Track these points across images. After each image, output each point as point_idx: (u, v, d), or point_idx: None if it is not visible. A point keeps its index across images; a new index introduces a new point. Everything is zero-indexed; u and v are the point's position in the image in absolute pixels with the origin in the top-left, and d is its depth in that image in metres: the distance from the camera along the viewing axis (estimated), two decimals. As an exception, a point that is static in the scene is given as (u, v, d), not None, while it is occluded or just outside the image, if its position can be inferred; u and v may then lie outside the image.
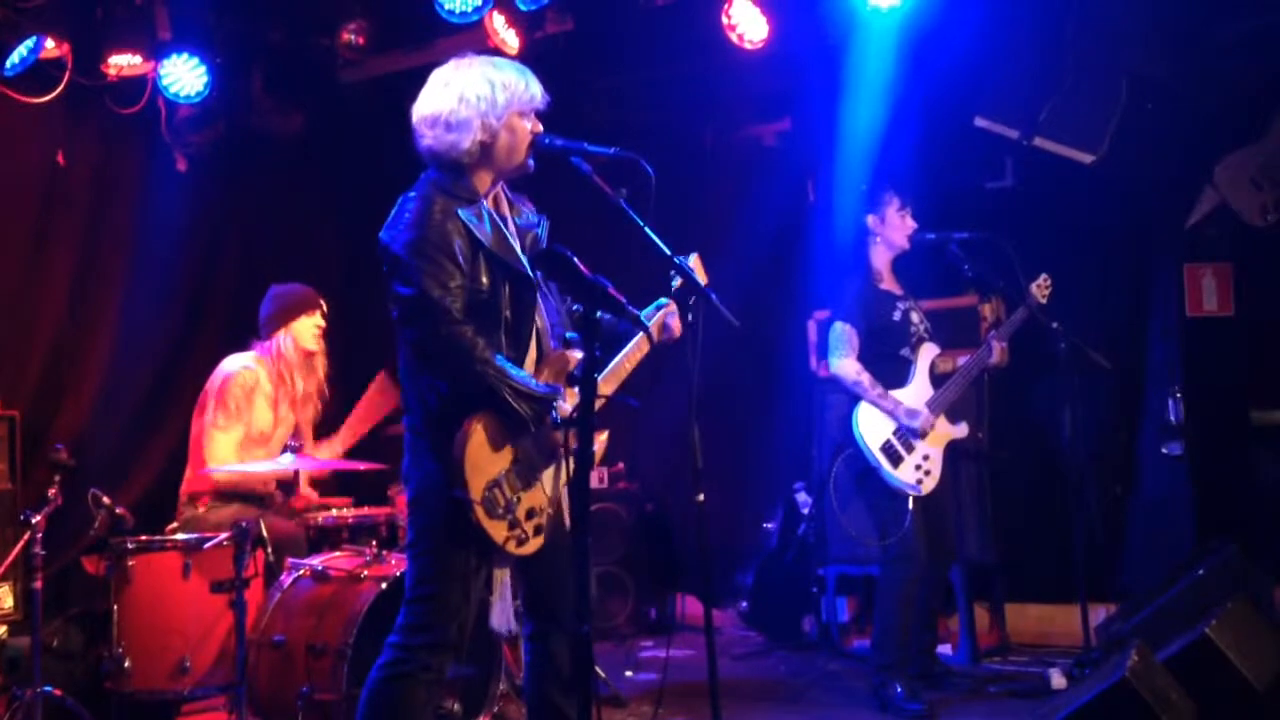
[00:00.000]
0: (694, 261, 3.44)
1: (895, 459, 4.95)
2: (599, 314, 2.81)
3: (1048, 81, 5.77)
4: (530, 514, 3.17)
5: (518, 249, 3.24)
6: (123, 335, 6.07)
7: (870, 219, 5.12)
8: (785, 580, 6.45)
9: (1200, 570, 4.70)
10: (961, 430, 5.09)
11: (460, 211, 3.15)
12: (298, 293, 5.10)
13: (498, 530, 3.09)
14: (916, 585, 4.98)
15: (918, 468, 4.96)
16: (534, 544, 3.18)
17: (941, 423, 5.03)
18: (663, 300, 3.42)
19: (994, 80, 5.90)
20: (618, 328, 3.35)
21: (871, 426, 4.97)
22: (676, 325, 3.43)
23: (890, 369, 5.04)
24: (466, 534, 3.08)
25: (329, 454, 5.10)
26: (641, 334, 3.31)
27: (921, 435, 4.96)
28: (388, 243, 3.13)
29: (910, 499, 4.96)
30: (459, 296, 3.09)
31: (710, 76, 6.63)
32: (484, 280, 3.14)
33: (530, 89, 3.22)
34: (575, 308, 3.01)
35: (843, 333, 5.02)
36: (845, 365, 4.99)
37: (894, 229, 5.09)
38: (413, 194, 3.19)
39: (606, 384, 3.31)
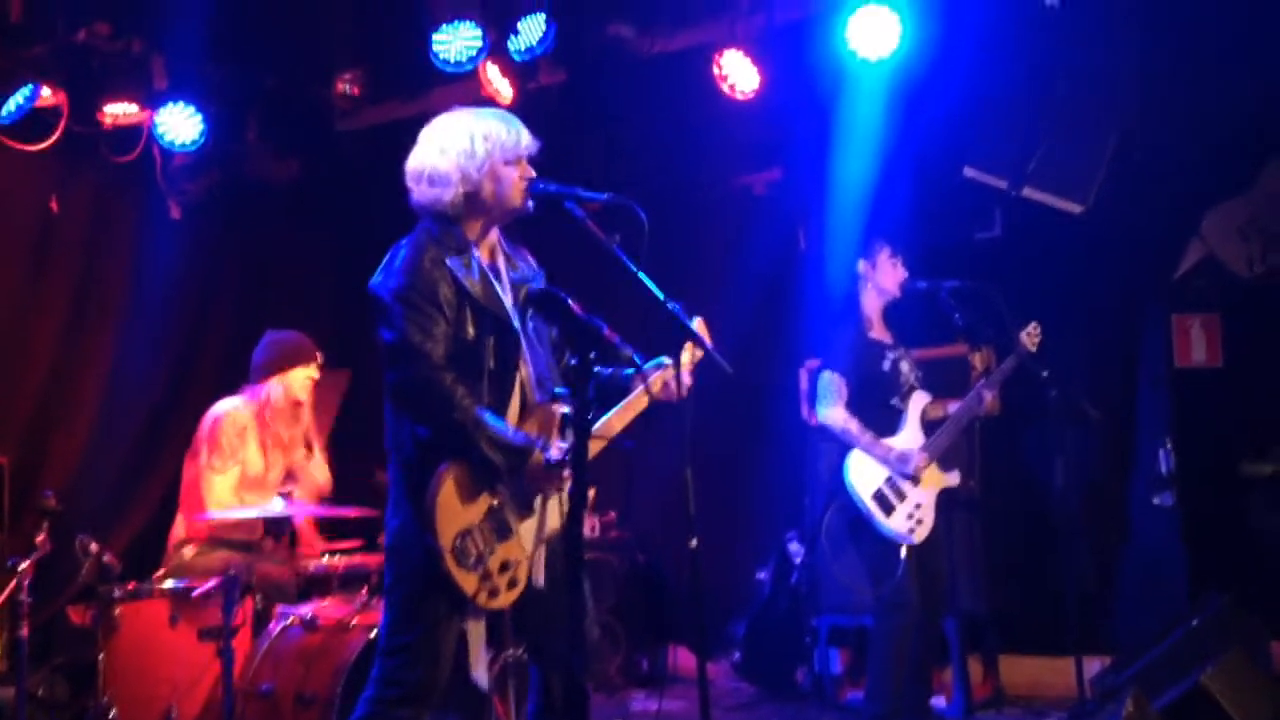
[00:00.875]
0: (698, 325, 3.44)
1: (887, 508, 4.94)
2: (593, 355, 2.81)
3: (1036, 133, 5.83)
4: (504, 566, 3.14)
5: (507, 301, 3.26)
6: (114, 382, 6.07)
7: (861, 265, 5.14)
8: (778, 631, 6.41)
9: (1194, 621, 4.69)
10: (954, 478, 5.08)
11: (449, 260, 3.18)
12: (295, 341, 5.09)
13: (468, 581, 3.07)
14: (910, 635, 4.95)
15: (910, 516, 4.94)
16: (507, 597, 3.15)
17: (933, 470, 5.02)
18: (664, 360, 3.39)
19: (983, 131, 5.97)
20: (615, 382, 3.37)
21: (862, 475, 4.96)
22: (675, 387, 3.40)
23: (881, 418, 5.04)
24: (437, 583, 3.07)
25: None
26: (638, 389, 3.31)
27: (914, 480, 4.96)
28: (376, 289, 3.17)
29: (903, 548, 4.94)
30: (441, 343, 3.11)
31: (701, 126, 6.68)
32: (469, 330, 3.17)
33: (516, 136, 3.26)
34: (571, 361, 3.01)
35: (831, 382, 5.03)
36: (833, 414, 4.99)
37: (885, 276, 5.11)
38: (404, 242, 3.22)
39: (598, 438, 3.28)
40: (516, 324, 3.25)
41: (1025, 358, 5.11)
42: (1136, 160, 5.83)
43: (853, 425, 4.96)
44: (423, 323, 3.09)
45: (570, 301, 2.87)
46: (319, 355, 5.12)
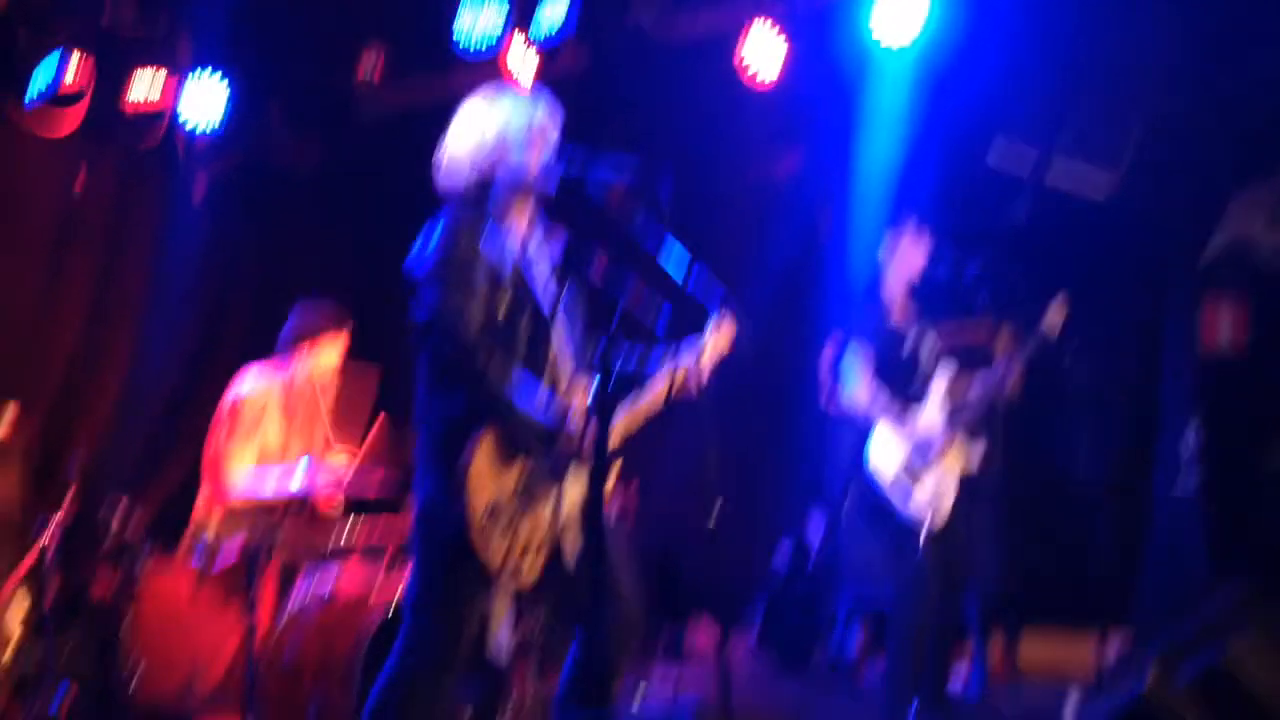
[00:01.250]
0: (725, 322, 3.45)
1: (907, 490, 4.94)
2: (616, 323, 2.84)
3: (1062, 116, 5.80)
4: (530, 540, 3.17)
5: (539, 282, 3.30)
6: (139, 360, 6.13)
7: (886, 245, 5.14)
8: (796, 610, 6.41)
9: (1216, 604, 4.65)
10: (975, 461, 5.07)
11: (483, 241, 3.21)
12: (326, 309, 5.07)
13: (495, 553, 3.10)
14: (929, 615, 4.95)
15: (930, 495, 4.94)
16: (532, 571, 3.17)
17: (955, 450, 5.01)
18: (686, 356, 3.41)
19: (1008, 115, 5.94)
20: (638, 375, 3.39)
21: (884, 455, 4.96)
22: (694, 382, 3.41)
23: (903, 399, 5.04)
24: (465, 554, 3.09)
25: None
26: (658, 384, 3.33)
27: (936, 463, 4.95)
28: (412, 266, 3.21)
29: (923, 528, 4.94)
30: (476, 320, 3.14)
31: (724, 112, 6.69)
32: (502, 309, 3.20)
33: (529, 118, 3.29)
34: (601, 341, 3.02)
35: (854, 364, 5.04)
36: (857, 395, 4.99)
37: (909, 254, 5.11)
38: (440, 222, 3.26)
39: (619, 431, 3.29)
40: (548, 305, 3.29)
41: (1049, 338, 5.09)
42: (1164, 143, 5.79)
43: (876, 407, 4.95)
44: (458, 299, 3.12)
45: (594, 269, 2.89)
46: (347, 324, 5.10)
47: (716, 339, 3.40)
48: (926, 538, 4.91)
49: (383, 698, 3.18)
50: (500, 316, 3.19)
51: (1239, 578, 4.97)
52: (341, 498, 5.03)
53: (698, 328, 3.43)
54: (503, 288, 3.20)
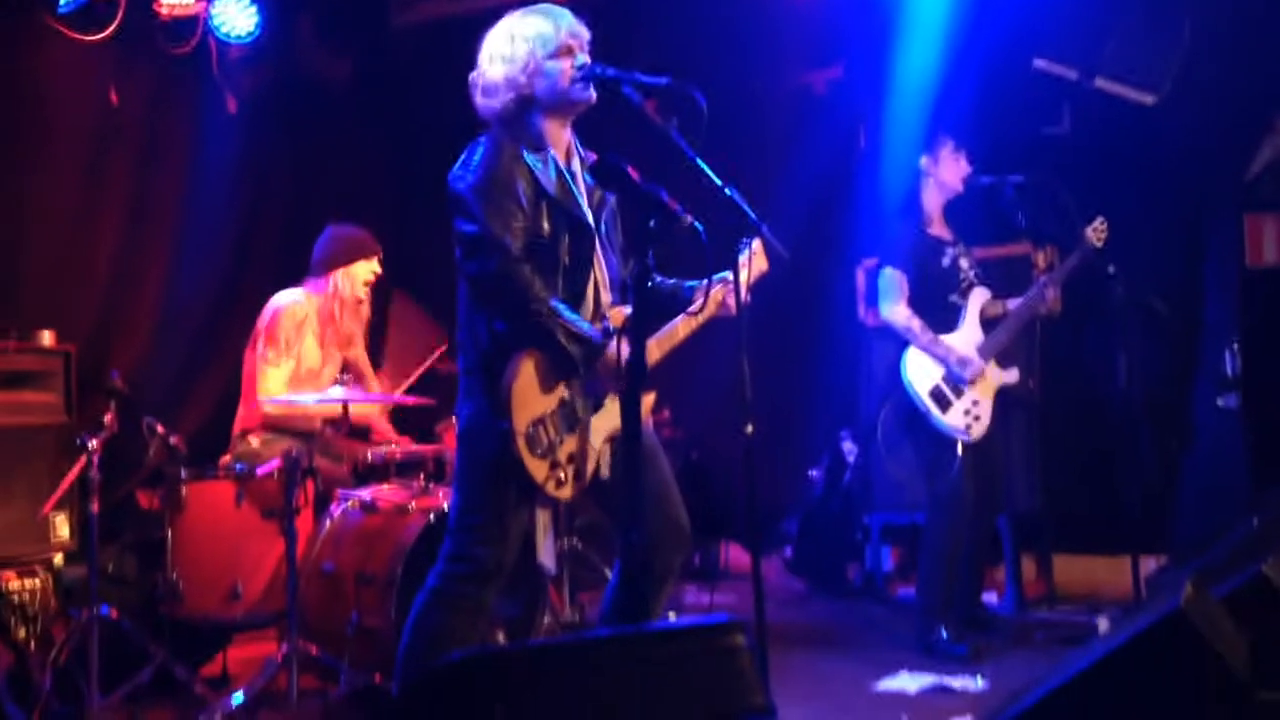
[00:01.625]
0: (756, 246, 3.39)
1: (944, 404, 4.92)
2: (653, 223, 2.81)
3: (1109, 22, 5.66)
4: (571, 458, 3.21)
5: (582, 200, 3.28)
6: (175, 273, 6.14)
7: (924, 160, 5.06)
8: (830, 528, 6.44)
9: (1254, 520, 4.63)
10: (1012, 376, 5.04)
11: (527, 157, 3.21)
12: (359, 236, 5.08)
13: (538, 468, 3.14)
14: (963, 532, 4.96)
15: (966, 413, 4.92)
16: (572, 488, 3.22)
17: (992, 368, 4.98)
18: (726, 273, 3.32)
19: (1054, 21, 5.80)
20: (676, 295, 3.39)
21: (920, 372, 4.94)
22: (733, 303, 3.37)
23: (939, 314, 5.00)
24: (508, 469, 3.13)
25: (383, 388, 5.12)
26: (697, 302, 3.31)
27: (973, 380, 4.92)
28: (454, 183, 3.20)
29: (959, 444, 4.93)
30: (519, 236, 3.14)
31: (759, 22, 6.57)
32: (545, 225, 3.19)
33: (559, 28, 3.23)
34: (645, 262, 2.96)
35: (892, 278, 4.98)
36: (896, 311, 4.95)
37: (948, 170, 5.03)
38: (482, 139, 3.25)
39: (659, 346, 3.31)
40: (592, 222, 3.27)
41: (1090, 254, 5.01)
42: (1210, 55, 5.64)
43: (915, 324, 4.92)
44: (502, 215, 3.12)
45: (629, 169, 2.86)
46: (379, 250, 5.12)
47: (755, 256, 3.36)
48: (963, 452, 4.91)
49: (425, 609, 3.24)
50: (544, 234, 3.19)
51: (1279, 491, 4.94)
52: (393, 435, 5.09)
53: (734, 245, 3.38)
54: (544, 206, 3.19)
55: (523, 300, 3.10)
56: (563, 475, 3.19)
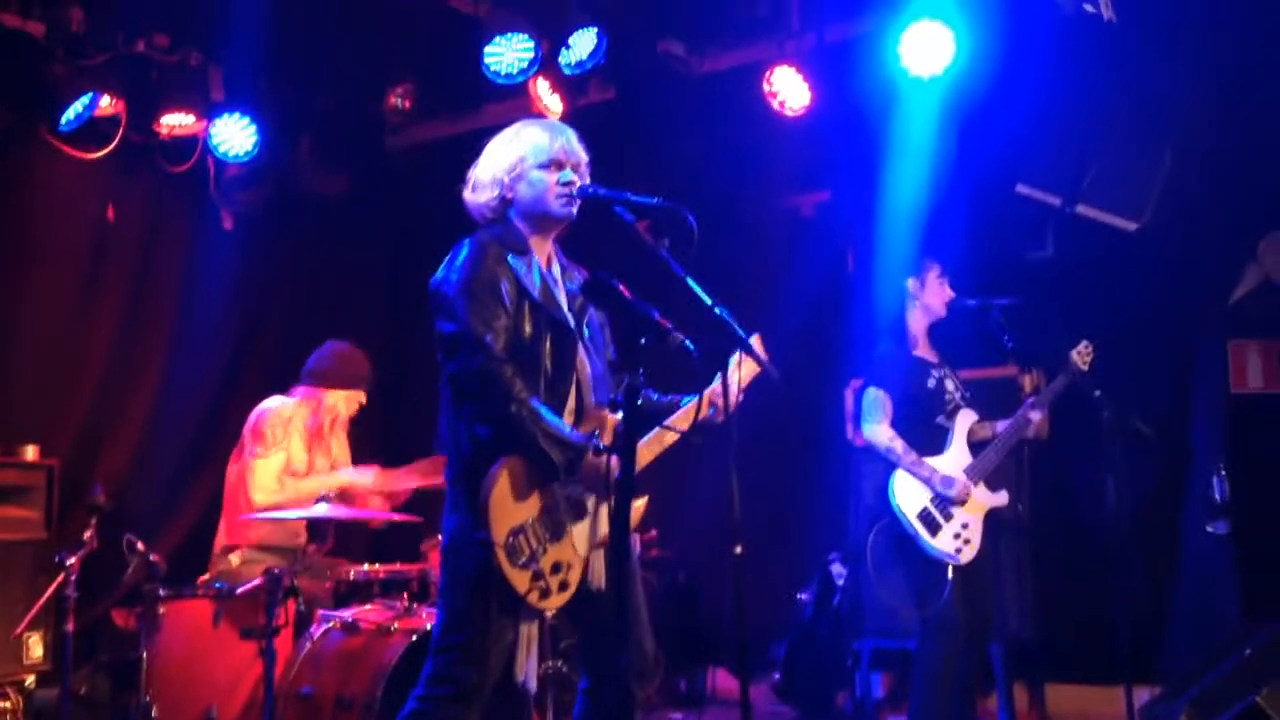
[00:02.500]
0: (755, 341, 3.42)
1: (934, 527, 4.88)
2: (644, 341, 2.82)
3: (1090, 150, 5.78)
4: (556, 568, 3.13)
5: (564, 304, 3.28)
6: (165, 389, 6.14)
7: (911, 283, 5.11)
8: (819, 653, 6.33)
9: (1247, 650, 4.57)
10: (1001, 499, 5.02)
11: (510, 259, 3.22)
12: (360, 369, 5.15)
13: (520, 579, 3.07)
14: (955, 659, 4.87)
15: (956, 536, 4.88)
16: (558, 599, 3.14)
17: (980, 491, 4.96)
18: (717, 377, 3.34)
19: (1036, 148, 5.92)
20: (672, 410, 3.37)
21: (908, 494, 4.90)
22: (721, 404, 3.32)
23: (925, 436, 4.99)
24: (489, 582, 3.06)
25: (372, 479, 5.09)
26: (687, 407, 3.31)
27: (959, 503, 4.90)
28: (438, 284, 3.20)
29: (949, 569, 4.88)
30: (502, 336, 3.13)
31: (750, 146, 6.69)
32: (527, 327, 3.18)
33: (553, 141, 3.29)
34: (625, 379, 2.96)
35: (876, 399, 4.98)
36: (878, 431, 4.94)
37: (933, 295, 5.08)
38: (466, 240, 3.26)
39: (648, 449, 3.28)
40: (573, 325, 3.26)
41: (1077, 377, 5.03)
42: (1192, 180, 5.76)
43: (897, 444, 4.90)
44: (484, 315, 3.11)
45: (621, 286, 2.88)
46: (370, 380, 5.16)
47: (743, 367, 3.37)
48: (953, 577, 4.85)
49: None
50: (525, 336, 3.17)
51: (1271, 620, 4.88)
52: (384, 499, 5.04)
53: (721, 361, 3.39)
54: (527, 307, 3.19)
55: (504, 400, 3.05)
56: (547, 585, 3.11)
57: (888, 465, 4.96)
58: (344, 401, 5.08)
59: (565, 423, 3.17)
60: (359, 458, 5.26)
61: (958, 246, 5.56)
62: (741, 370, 3.34)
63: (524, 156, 3.26)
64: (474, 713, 3.15)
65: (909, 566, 4.99)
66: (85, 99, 5.48)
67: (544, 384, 3.19)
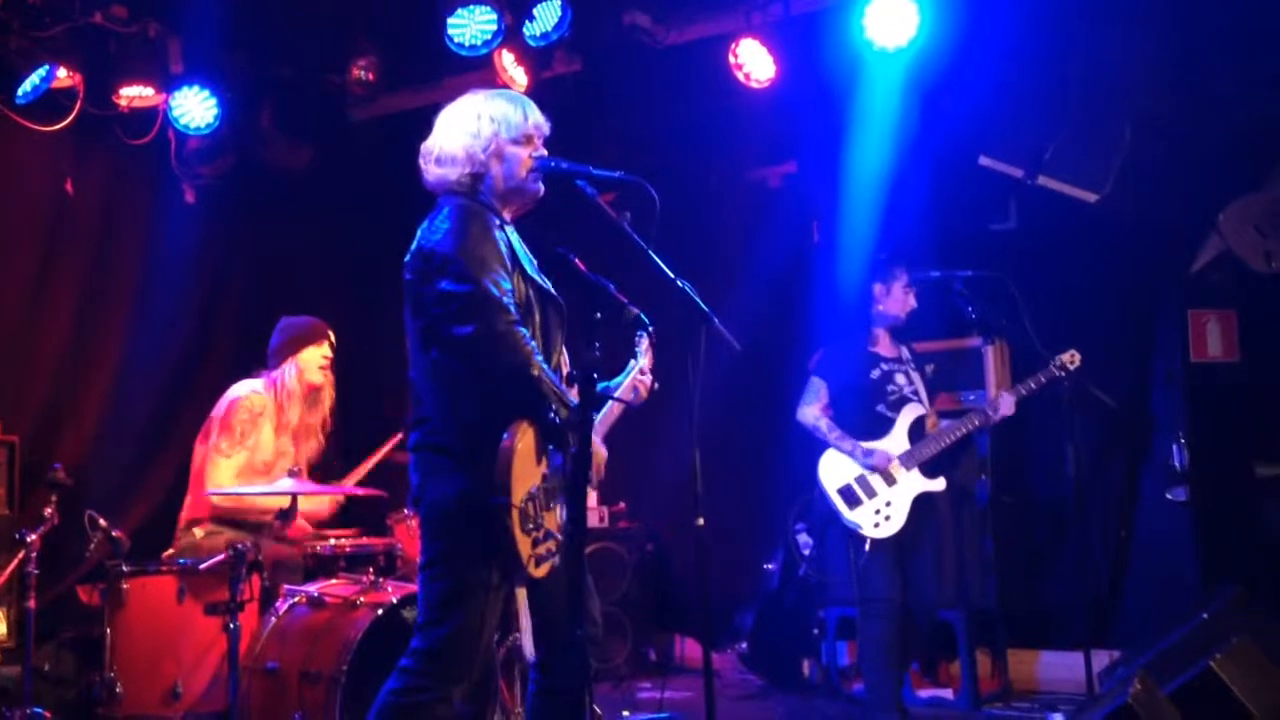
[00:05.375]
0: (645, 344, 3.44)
1: (853, 501, 5.08)
2: (599, 315, 2.82)
3: (1052, 122, 5.81)
4: (548, 534, 3.08)
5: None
6: (126, 364, 6.07)
7: (877, 288, 5.24)
8: (785, 622, 6.39)
9: (1205, 614, 4.65)
10: (938, 485, 5.12)
11: (496, 223, 3.16)
12: (306, 324, 5.11)
13: (525, 544, 2.98)
14: (890, 627, 4.99)
15: (877, 512, 5.06)
16: (547, 566, 3.09)
17: (913, 474, 5.07)
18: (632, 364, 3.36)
19: (999, 120, 5.94)
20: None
21: (832, 470, 5.14)
22: (643, 390, 3.37)
23: (866, 423, 5.17)
24: (491, 550, 2.98)
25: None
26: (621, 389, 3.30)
27: (888, 479, 5.04)
28: (431, 246, 3.07)
29: (868, 541, 4.99)
30: (509, 299, 3.04)
31: (716, 118, 6.68)
32: (519, 295, 3.11)
33: (526, 116, 3.24)
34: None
35: (811, 385, 5.31)
36: (806, 412, 5.25)
37: (894, 303, 5.25)
38: (446, 207, 3.16)
39: (601, 423, 3.30)
40: (560, 298, 3.21)
41: (1054, 379, 5.07)
42: (1153, 152, 5.80)
43: (823, 423, 5.17)
44: (494, 275, 3.02)
45: (577, 261, 2.88)
46: (331, 335, 5.12)
47: (646, 356, 3.37)
48: (880, 550, 4.99)
49: (395, 702, 3.03)
50: (521, 299, 3.10)
51: (1228, 585, 4.97)
52: (310, 530, 5.01)
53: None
54: (520, 272, 3.13)
55: (524, 363, 2.95)
56: (543, 551, 3.05)
57: (821, 444, 5.19)
58: (305, 365, 5.02)
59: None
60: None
61: (921, 218, 5.59)
62: (644, 360, 3.37)
63: (498, 131, 3.19)
64: (459, 688, 3.05)
65: (835, 540, 5.23)
66: (42, 71, 5.40)
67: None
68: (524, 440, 2.99)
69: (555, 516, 3.13)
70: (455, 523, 3.04)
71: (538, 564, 3.04)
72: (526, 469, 2.99)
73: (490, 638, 3.10)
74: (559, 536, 3.12)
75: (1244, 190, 5.89)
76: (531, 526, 3.00)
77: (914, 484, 5.07)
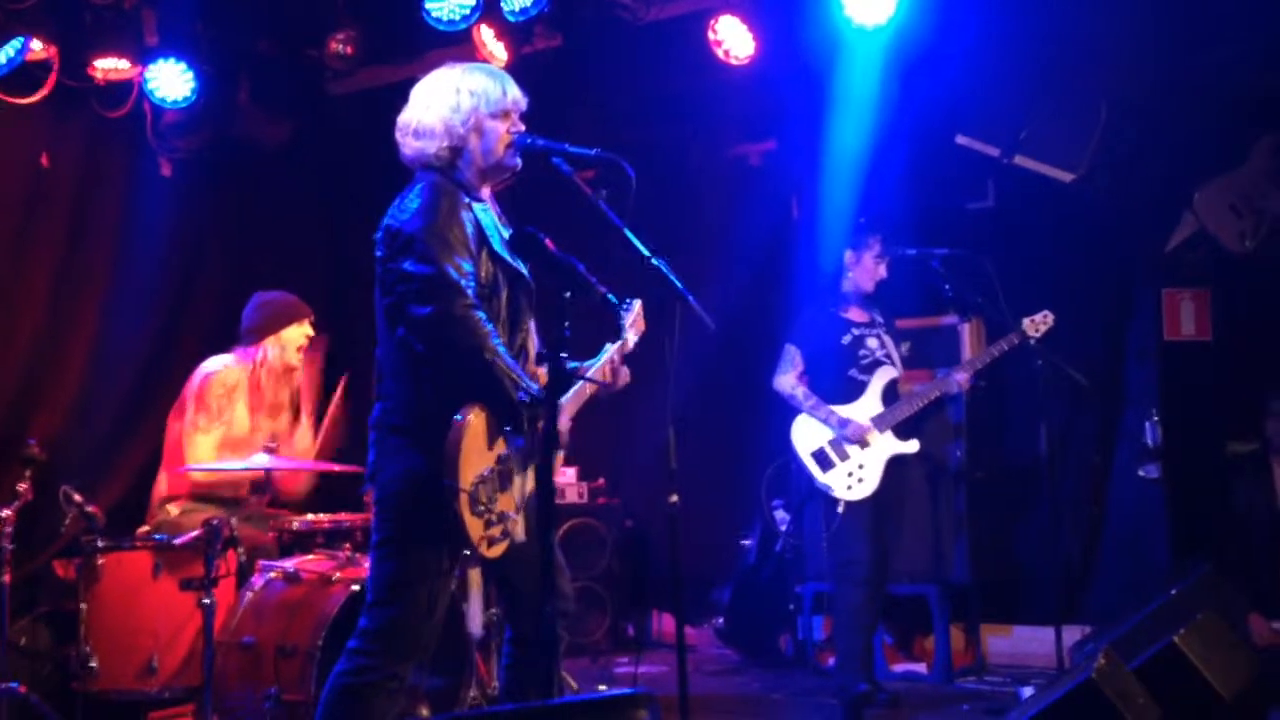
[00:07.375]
0: (637, 308, 3.46)
1: (826, 464, 5.15)
2: (569, 295, 2.83)
3: (1029, 101, 5.83)
4: (502, 516, 3.09)
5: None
6: (102, 339, 6.04)
7: (847, 255, 5.29)
8: (762, 597, 6.44)
9: (1174, 590, 4.71)
10: (911, 446, 5.19)
11: (465, 204, 3.15)
12: (288, 301, 5.06)
13: (475, 527, 3.01)
14: (866, 597, 5.04)
15: (850, 474, 5.13)
16: (501, 547, 3.11)
17: (887, 437, 5.12)
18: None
19: (976, 99, 5.96)
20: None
21: (805, 434, 5.22)
22: (619, 378, 3.37)
23: (839, 388, 5.23)
24: (441, 531, 3.01)
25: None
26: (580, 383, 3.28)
27: (855, 443, 5.07)
28: (398, 225, 3.08)
29: (841, 504, 5.05)
30: (472, 281, 3.06)
31: (696, 95, 6.67)
32: (484, 275, 3.12)
33: (505, 91, 3.23)
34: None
35: (786, 353, 5.34)
36: (782, 381, 5.30)
37: (864, 273, 5.30)
38: (419, 184, 3.16)
39: (572, 404, 3.30)
40: (528, 276, 3.22)
41: (1022, 342, 5.11)
42: (1128, 133, 5.83)
43: (799, 391, 5.23)
44: (456, 258, 3.03)
45: (546, 240, 2.88)
46: (311, 314, 5.11)
47: (637, 319, 3.41)
48: (856, 515, 5.05)
49: (342, 692, 3.08)
50: (484, 279, 3.11)
51: (1199, 561, 5.03)
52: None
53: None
54: (485, 254, 3.13)
55: (479, 346, 2.98)
56: (494, 534, 3.06)
57: (794, 411, 5.25)
58: (284, 346, 5.00)
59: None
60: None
61: (899, 196, 5.60)
62: (636, 326, 3.40)
63: (477, 105, 3.18)
64: (409, 666, 3.09)
65: (812, 508, 5.28)
66: (16, 43, 5.35)
67: (504, 334, 3.14)
68: (475, 423, 3.01)
69: (511, 498, 3.14)
70: (406, 503, 3.07)
71: (490, 545, 3.06)
72: (475, 453, 3.01)
73: (441, 615, 3.11)
74: (515, 517, 3.14)
75: (1219, 170, 5.92)
76: (482, 509, 3.02)
77: (887, 446, 5.13)
